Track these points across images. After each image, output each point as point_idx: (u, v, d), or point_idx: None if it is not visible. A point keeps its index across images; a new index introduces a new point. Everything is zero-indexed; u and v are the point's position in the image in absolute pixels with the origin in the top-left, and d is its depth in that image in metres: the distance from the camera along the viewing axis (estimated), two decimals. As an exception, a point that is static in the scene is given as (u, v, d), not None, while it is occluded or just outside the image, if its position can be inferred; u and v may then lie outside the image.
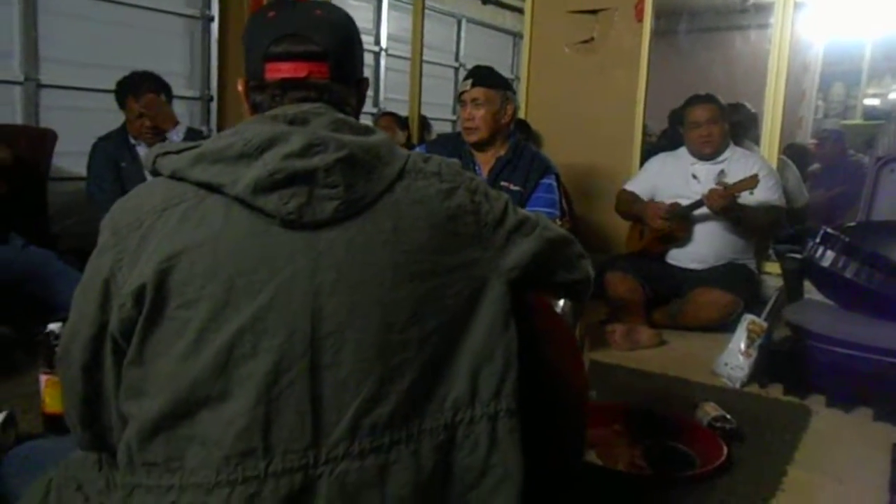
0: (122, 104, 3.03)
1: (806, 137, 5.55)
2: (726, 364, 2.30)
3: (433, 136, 4.70)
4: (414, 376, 0.84)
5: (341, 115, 0.91)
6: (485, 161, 2.53)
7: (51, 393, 1.66)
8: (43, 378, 1.67)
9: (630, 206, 3.13)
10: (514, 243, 0.94)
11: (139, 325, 0.81)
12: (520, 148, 2.55)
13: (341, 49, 0.96)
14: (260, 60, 0.94)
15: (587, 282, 1.09)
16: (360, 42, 1.02)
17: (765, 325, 2.28)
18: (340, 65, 0.95)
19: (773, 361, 2.28)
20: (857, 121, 5.73)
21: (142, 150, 3.02)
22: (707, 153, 3.01)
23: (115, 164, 2.99)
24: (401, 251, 0.84)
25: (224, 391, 0.79)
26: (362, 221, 0.84)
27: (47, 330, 1.69)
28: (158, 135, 2.97)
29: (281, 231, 0.82)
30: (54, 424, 1.64)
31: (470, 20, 6.58)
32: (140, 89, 2.98)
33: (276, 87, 0.93)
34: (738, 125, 3.41)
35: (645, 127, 4.02)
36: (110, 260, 0.84)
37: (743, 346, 2.27)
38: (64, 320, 0.95)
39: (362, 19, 5.58)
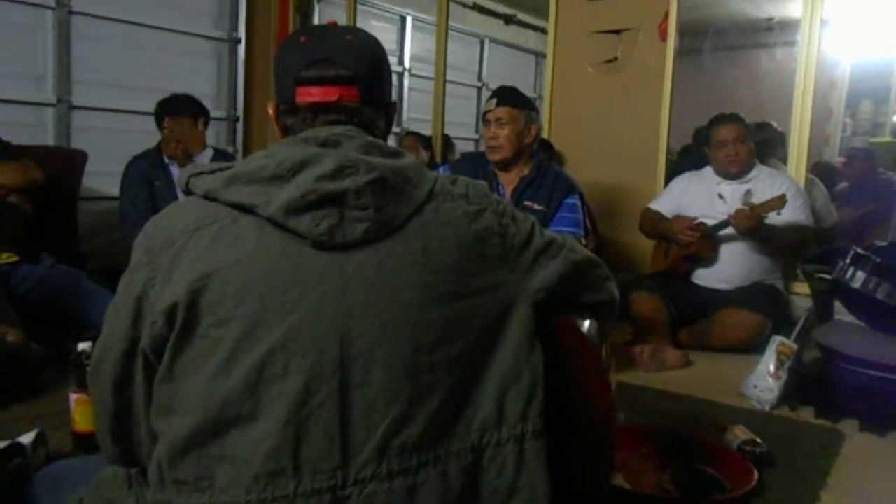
0: (159, 124, 3.09)
1: (834, 156, 5.49)
2: (755, 386, 2.26)
3: (456, 155, 4.71)
4: (442, 398, 0.84)
5: (371, 138, 0.92)
6: (508, 181, 2.53)
7: (81, 412, 1.67)
8: (73, 397, 1.69)
9: (655, 224, 3.11)
10: (540, 265, 0.94)
11: (171, 343, 0.82)
12: (543, 167, 2.54)
13: (371, 73, 0.98)
14: (291, 84, 0.95)
15: (613, 303, 1.09)
16: (388, 66, 1.03)
17: (794, 346, 2.24)
18: (370, 88, 0.97)
19: (804, 384, 2.24)
20: (887, 138, 5.66)
21: (175, 171, 3.08)
22: (734, 172, 2.99)
23: (148, 182, 3.05)
24: (429, 272, 0.85)
25: (254, 411, 0.80)
26: (392, 243, 0.85)
27: (79, 349, 1.71)
28: (189, 157, 3.02)
29: (312, 252, 0.83)
30: (84, 443, 1.66)
31: (493, 40, 6.62)
32: (178, 111, 3.06)
33: (307, 110, 0.95)
34: (765, 144, 3.38)
35: (687, 148, 4.01)
36: (143, 278, 0.85)
37: (772, 367, 2.23)
38: (94, 339, 0.96)
39: (386, 40, 5.61)
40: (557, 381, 0.97)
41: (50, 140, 3.74)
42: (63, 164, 3.16)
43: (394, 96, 1.08)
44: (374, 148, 0.90)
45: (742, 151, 2.95)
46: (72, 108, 3.82)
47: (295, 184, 0.83)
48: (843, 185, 4.54)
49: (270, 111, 1.01)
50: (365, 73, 0.96)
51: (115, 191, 3.27)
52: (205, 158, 3.09)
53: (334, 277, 0.82)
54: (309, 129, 0.93)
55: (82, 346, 1.72)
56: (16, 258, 2.51)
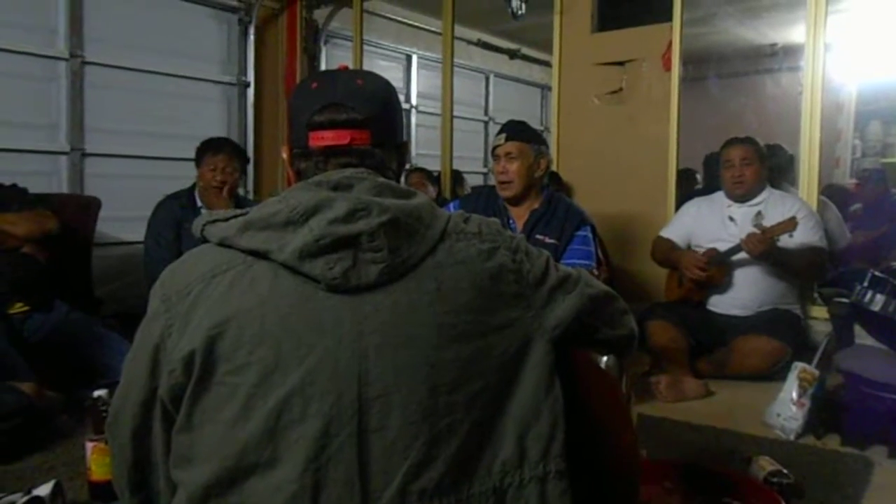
0: (198, 163, 3.08)
1: (845, 177, 5.47)
2: (778, 415, 2.22)
3: (467, 189, 4.73)
4: (461, 439, 0.83)
5: (383, 180, 0.92)
6: (519, 215, 2.53)
7: (97, 460, 1.66)
8: (89, 445, 1.68)
9: (667, 253, 3.09)
10: (556, 301, 0.93)
11: (188, 392, 0.82)
12: (554, 200, 2.54)
13: (382, 116, 0.99)
14: (304, 129, 0.97)
15: (631, 337, 1.08)
16: (399, 108, 1.05)
17: (816, 373, 2.21)
18: (381, 131, 0.98)
19: (829, 411, 2.19)
20: (896, 158, 5.64)
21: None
22: (738, 194, 2.98)
23: (177, 223, 3.03)
24: (445, 312, 0.85)
25: (273, 457, 0.79)
26: (406, 284, 0.85)
27: (95, 396, 1.71)
28: (231, 200, 3.02)
29: (327, 295, 0.83)
30: (101, 492, 1.65)
31: (498, 75, 6.69)
32: (220, 149, 3.06)
33: (319, 154, 0.96)
34: (776, 167, 3.37)
35: (687, 171, 4.01)
36: (160, 327, 0.86)
37: (795, 395, 2.19)
38: (110, 386, 0.96)
39: (393, 78, 5.68)
40: (578, 418, 0.96)
41: (64, 188, 3.79)
42: (77, 211, 3.19)
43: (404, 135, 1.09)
44: (386, 189, 0.90)
45: (747, 174, 2.95)
46: (85, 155, 3.89)
47: (308, 228, 0.83)
48: (856, 206, 4.52)
49: (284, 155, 1.03)
50: (376, 115, 0.97)
51: (128, 236, 3.30)
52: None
53: (350, 320, 0.82)
54: (321, 173, 0.93)
55: (98, 392, 1.71)
56: (27, 308, 2.51)
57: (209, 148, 3.06)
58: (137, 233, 3.12)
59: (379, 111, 0.98)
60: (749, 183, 2.96)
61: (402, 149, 1.04)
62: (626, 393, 1.32)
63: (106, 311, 3.19)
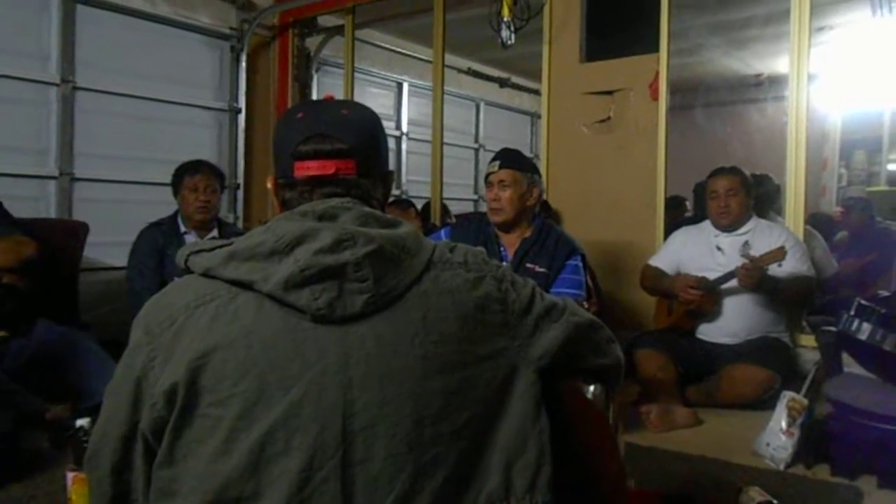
0: (176, 188, 3.06)
1: (831, 206, 5.54)
2: (768, 444, 2.21)
3: (452, 219, 4.73)
4: (447, 471, 0.82)
5: (368, 209, 0.93)
6: (510, 243, 2.53)
7: (78, 491, 1.63)
8: (70, 475, 1.65)
9: (656, 281, 3.10)
10: (542, 330, 0.93)
11: (170, 425, 0.81)
12: (545, 229, 2.54)
13: (367, 145, 0.99)
14: (289, 159, 0.97)
15: (619, 366, 1.08)
16: (384, 137, 1.05)
17: (805, 402, 2.21)
18: (366, 160, 0.98)
19: (818, 440, 2.19)
20: (882, 187, 5.72)
21: (190, 240, 3.05)
22: (723, 224, 3.01)
23: (160, 252, 3.00)
24: (430, 342, 0.84)
25: (255, 492, 0.78)
26: (392, 314, 0.84)
27: (77, 426, 1.68)
28: (208, 212, 3.01)
29: (312, 326, 0.82)
30: (80, 524, 1.61)
31: (488, 103, 6.75)
32: (199, 168, 3.05)
33: (304, 184, 0.96)
34: (763, 197, 3.40)
35: (676, 198, 4.03)
36: (143, 358, 0.85)
37: (784, 424, 2.19)
38: (92, 413, 0.95)
39: (384, 105, 5.76)
40: (565, 448, 0.95)
41: (52, 212, 3.78)
42: (65, 236, 3.17)
43: (392, 160, 1.10)
44: (372, 219, 0.90)
45: (732, 204, 2.98)
46: (74, 180, 3.88)
47: (293, 258, 0.83)
48: (841, 234, 4.56)
49: (270, 185, 1.02)
50: (361, 145, 0.98)
51: (116, 261, 3.27)
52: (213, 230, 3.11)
53: (335, 351, 0.82)
54: (307, 203, 0.93)
55: (80, 422, 1.69)
56: (6, 334, 2.45)
57: (186, 170, 3.05)
58: (125, 258, 3.10)
59: (364, 141, 0.99)
60: (733, 214, 2.98)
61: (387, 178, 1.04)
62: (613, 423, 1.31)
63: (92, 336, 3.16)
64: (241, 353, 0.81)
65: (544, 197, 3.68)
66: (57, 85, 3.79)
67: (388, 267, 0.86)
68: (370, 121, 1.02)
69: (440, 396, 0.83)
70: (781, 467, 2.15)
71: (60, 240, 3.04)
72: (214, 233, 3.10)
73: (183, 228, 3.07)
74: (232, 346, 0.81)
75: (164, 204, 3.28)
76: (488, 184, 2.54)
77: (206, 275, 0.87)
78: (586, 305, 1.83)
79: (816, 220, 4.13)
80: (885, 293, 2.64)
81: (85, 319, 3.26)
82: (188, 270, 0.90)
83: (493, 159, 2.55)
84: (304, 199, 0.96)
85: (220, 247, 0.88)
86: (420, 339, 0.84)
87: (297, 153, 0.96)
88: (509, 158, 2.53)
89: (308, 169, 0.96)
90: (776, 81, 5.52)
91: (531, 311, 0.93)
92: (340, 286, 0.83)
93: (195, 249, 0.90)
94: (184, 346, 0.82)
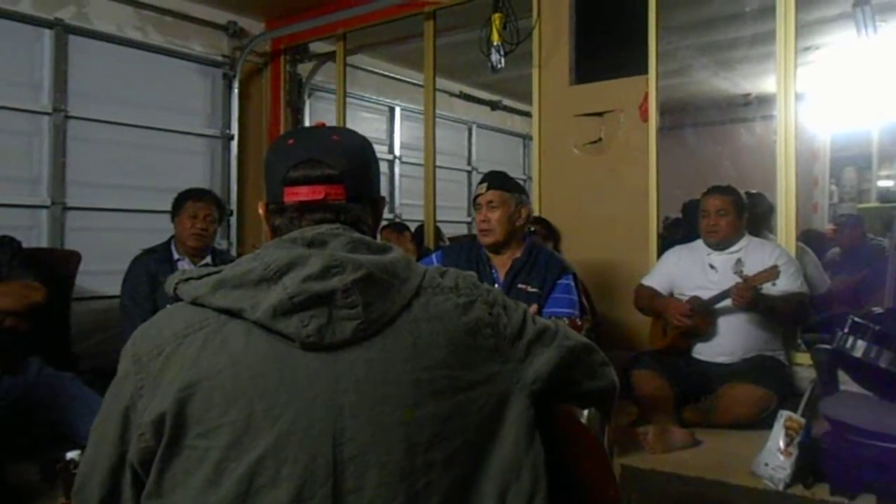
0: (175, 212, 3.06)
1: (823, 223, 5.56)
2: (766, 464, 2.19)
3: (445, 242, 4.74)
4: (440, 499, 0.81)
5: (358, 235, 0.92)
6: (501, 264, 2.54)
7: (67, 524, 1.60)
8: (59, 509, 1.62)
9: (650, 301, 3.10)
10: (534, 355, 0.93)
11: (158, 456, 0.80)
12: (535, 250, 2.55)
13: (357, 171, 0.99)
14: (279, 185, 0.97)
15: (613, 390, 1.07)
16: (376, 163, 1.05)
17: (803, 421, 2.19)
18: (356, 185, 0.98)
19: (816, 459, 2.17)
20: (873, 204, 5.75)
21: (183, 266, 3.04)
22: (712, 242, 3.04)
23: (153, 279, 2.99)
24: (421, 368, 0.84)
25: None
26: (382, 340, 0.84)
27: (67, 458, 1.65)
28: (203, 241, 3.01)
29: (301, 353, 0.82)
30: (69, 558, 1.58)
31: (480, 125, 6.79)
32: (201, 196, 3.06)
33: (294, 209, 0.96)
34: (758, 215, 3.42)
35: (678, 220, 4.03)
36: (131, 388, 0.84)
37: (782, 444, 2.18)
38: (83, 448, 0.93)
39: (376, 130, 5.78)
40: (560, 474, 0.94)
41: (44, 241, 3.76)
42: (58, 265, 3.15)
43: (385, 184, 1.10)
44: (361, 245, 0.90)
45: (721, 223, 2.99)
46: (66, 209, 3.87)
47: (282, 285, 0.83)
48: (833, 251, 4.57)
49: (261, 211, 1.02)
50: (351, 170, 0.97)
51: (109, 289, 3.26)
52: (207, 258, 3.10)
53: (324, 378, 0.81)
54: (296, 230, 0.93)
55: (71, 454, 1.66)
56: None
57: (189, 196, 3.06)
58: (118, 286, 3.09)
59: (354, 166, 0.99)
60: (722, 233, 3.00)
61: (377, 203, 1.04)
62: (608, 447, 1.29)
63: (84, 367, 3.13)
64: (228, 383, 0.80)
65: (538, 214, 3.71)
66: (49, 114, 3.80)
67: (378, 293, 0.85)
68: (361, 146, 1.02)
69: (432, 423, 0.82)
70: (780, 487, 2.13)
71: (53, 269, 3.02)
72: (208, 260, 3.09)
73: (176, 255, 3.07)
74: (219, 376, 0.80)
75: (157, 231, 3.28)
76: (477, 206, 2.55)
77: (195, 303, 0.86)
78: (580, 323, 1.82)
79: (808, 238, 4.14)
80: (878, 310, 2.64)
81: (77, 350, 3.24)
82: (178, 298, 0.89)
83: (481, 182, 2.58)
84: (293, 225, 0.95)
85: (209, 274, 0.87)
86: (411, 365, 0.83)
87: (286, 179, 0.96)
88: (496, 180, 2.55)
89: (297, 194, 0.95)
90: (764, 101, 5.57)
91: (523, 335, 0.93)
92: (329, 313, 0.82)
93: (184, 277, 0.89)
94: (171, 376, 0.81)
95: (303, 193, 0.95)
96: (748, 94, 5.88)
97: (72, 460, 1.65)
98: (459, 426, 0.83)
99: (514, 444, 0.86)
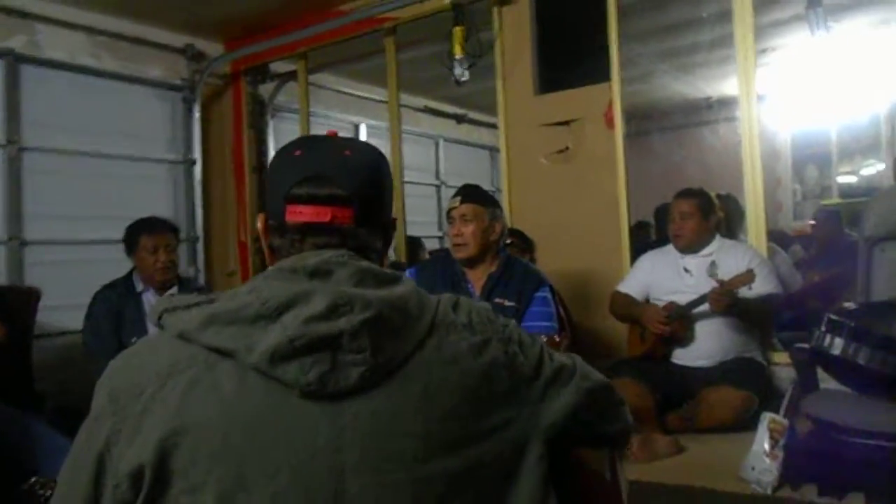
0: (131, 248, 2.95)
1: (788, 222, 5.64)
2: (753, 468, 2.17)
3: (426, 254, 4.71)
4: None
5: (366, 264, 0.84)
6: (476, 278, 2.50)
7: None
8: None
9: (626, 308, 3.09)
10: (551, 397, 0.85)
11: None
12: (511, 263, 2.52)
13: (368, 192, 0.89)
14: (281, 201, 0.87)
15: (627, 432, 0.99)
16: (390, 182, 0.95)
17: (786, 422, 2.19)
18: (366, 208, 0.89)
19: (802, 460, 2.16)
20: (835, 199, 5.86)
21: (148, 298, 2.94)
22: (679, 246, 3.05)
23: (116, 314, 2.88)
24: (432, 418, 0.76)
25: None
26: (389, 388, 0.76)
27: (31, 480, 1.56)
28: (171, 272, 2.91)
29: (300, 402, 0.74)
30: None
31: (447, 139, 6.77)
32: (154, 227, 2.94)
33: (296, 230, 0.87)
34: (731, 217, 3.44)
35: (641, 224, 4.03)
36: (106, 430, 0.75)
37: (767, 446, 2.16)
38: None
39: (342, 148, 5.72)
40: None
41: (2, 278, 3.63)
42: (17, 303, 3.04)
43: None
44: (369, 276, 0.82)
45: (686, 227, 3.00)
46: (24, 244, 3.74)
47: (281, 325, 0.75)
48: (795, 247, 4.62)
49: (259, 225, 0.93)
50: (362, 192, 0.88)
51: (72, 325, 3.14)
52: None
53: (325, 432, 0.73)
54: (296, 255, 0.85)
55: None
56: None
57: (140, 230, 2.93)
58: (81, 321, 2.98)
59: (366, 188, 0.89)
60: (687, 237, 3.01)
61: (388, 227, 0.95)
62: (623, 487, 1.20)
63: (48, 406, 3.01)
64: (217, 435, 0.72)
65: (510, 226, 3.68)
66: (2, 146, 3.68)
67: (387, 335, 0.77)
68: (374, 164, 0.92)
69: (443, 480, 0.75)
70: (769, 491, 2.11)
71: (11, 308, 2.91)
72: (174, 291, 2.98)
73: (140, 287, 2.96)
74: (208, 426, 0.73)
75: (120, 262, 3.16)
76: (450, 219, 2.51)
77: (182, 337, 0.78)
78: (558, 340, 1.78)
79: (774, 238, 4.18)
80: (852, 305, 2.65)
81: (40, 388, 3.12)
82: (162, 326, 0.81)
83: (455, 195, 2.54)
84: (293, 249, 0.86)
85: (199, 305, 0.79)
86: (422, 416, 0.76)
87: (290, 196, 0.87)
88: (470, 193, 2.52)
89: (301, 214, 0.86)
90: (726, 103, 5.65)
91: (540, 375, 0.86)
92: (333, 358, 0.74)
93: (170, 307, 0.80)
94: (153, 422, 0.73)
95: (307, 214, 0.86)
96: (709, 98, 5.96)
97: (36, 481, 1.56)
98: (472, 482, 0.77)
99: (528, 497, 0.79)
